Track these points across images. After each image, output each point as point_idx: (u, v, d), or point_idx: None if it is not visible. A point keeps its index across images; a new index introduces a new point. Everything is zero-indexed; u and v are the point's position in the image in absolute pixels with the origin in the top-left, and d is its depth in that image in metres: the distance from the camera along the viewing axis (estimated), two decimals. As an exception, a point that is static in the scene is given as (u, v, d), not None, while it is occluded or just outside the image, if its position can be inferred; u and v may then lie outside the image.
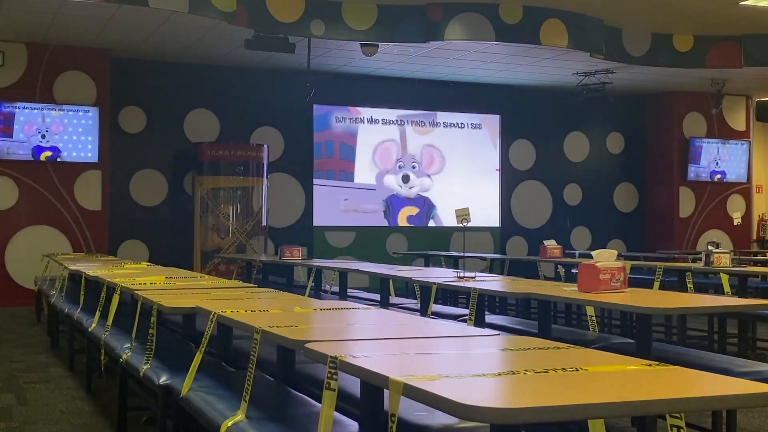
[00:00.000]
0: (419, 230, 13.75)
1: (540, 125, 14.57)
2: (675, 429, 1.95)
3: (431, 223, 13.89)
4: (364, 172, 13.50)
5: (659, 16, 10.43)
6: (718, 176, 15.02)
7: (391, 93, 13.45)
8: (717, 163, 14.99)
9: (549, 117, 14.57)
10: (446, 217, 13.82)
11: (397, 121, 13.72)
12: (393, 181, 13.66)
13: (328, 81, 12.58)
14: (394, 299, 7.05)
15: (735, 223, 14.12)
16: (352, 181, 13.42)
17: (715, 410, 3.79)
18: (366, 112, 13.51)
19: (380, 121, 13.61)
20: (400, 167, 13.68)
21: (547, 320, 4.75)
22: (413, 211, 13.77)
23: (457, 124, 14.11)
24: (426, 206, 13.86)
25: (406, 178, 13.67)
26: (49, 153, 11.20)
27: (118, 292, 5.00)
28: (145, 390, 4.30)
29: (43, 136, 11.15)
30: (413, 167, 13.77)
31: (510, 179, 14.46)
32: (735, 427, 3.98)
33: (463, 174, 14.11)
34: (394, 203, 13.65)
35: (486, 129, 14.32)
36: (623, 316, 7.62)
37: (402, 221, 13.68)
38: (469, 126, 14.20)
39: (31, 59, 11.18)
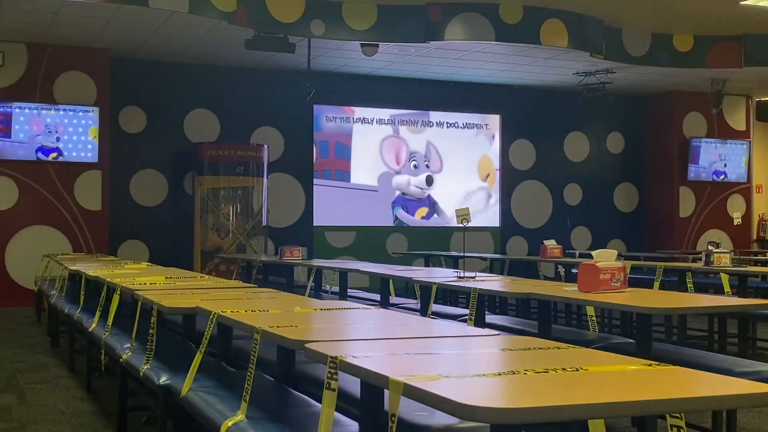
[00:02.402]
0: (419, 230, 13.76)
1: (540, 125, 14.57)
2: (675, 429, 1.95)
3: (437, 221, 13.90)
4: (361, 173, 13.50)
5: (659, 16, 10.43)
6: (717, 177, 15.01)
7: (392, 93, 13.44)
8: (717, 163, 14.99)
9: (549, 117, 14.57)
10: (448, 215, 13.83)
11: (396, 121, 13.72)
12: (406, 182, 13.65)
13: (328, 81, 12.58)
14: (394, 299, 7.05)
15: (735, 223, 14.14)
16: (349, 181, 13.43)
17: (715, 410, 3.79)
18: (366, 112, 13.51)
19: (380, 121, 13.61)
20: (415, 167, 13.67)
21: (547, 320, 4.75)
22: (424, 211, 13.80)
23: (457, 124, 14.11)
24: (432, 204, 13.89)
25: (429, 180, 13.71)
26: (49, 154, 11.20)
27: (118, 292, 5.00)
28: (145, 390, 4.30)
29: (43, 136, 11.15)
30: (427, 167, 13.80)
31: (510, 179, 14.46)
32: (735, 427, 3.98)
33: (462, 174, 14.11)
34: (409, 207, 13.65)
35: (486, 129, 14.32)
36: (623, 316, 7.62)
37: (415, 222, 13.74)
38: (469, 126, 14.20)
39: (31, 59, 11.18)
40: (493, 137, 14.29)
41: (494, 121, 14.32)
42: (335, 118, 13.36)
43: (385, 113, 13.62)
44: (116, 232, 11.85)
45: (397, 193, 13.66)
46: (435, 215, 13.89)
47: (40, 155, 11.16)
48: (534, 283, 5.41)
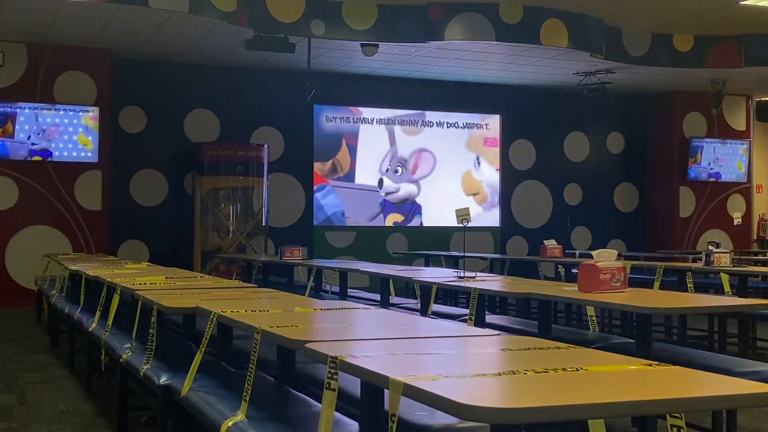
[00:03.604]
0: (419, 230, 13.75)
1: (540, 125, 14.57)
2: (675, 429, 1.95)
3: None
4: (364, 173, 13.51)
5: (659, 16, 10.43)
6: (717, 177, 15.01)
7: (391, 93, 13.44)
8: (716, 163, 14.99)
9: (549, 117, 14.57)
10: (441, 220, 13.76)
11: (396, 121, 13.72)
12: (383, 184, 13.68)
13: (328, 81, 12.58)
14: (394, 299, 7.05)
15: (735, 223, 14.14)
16: (353, 181, 13.45)
17: (715, 410, 3.79)
18: (366, 112, 13.51)
19: (380, 121, 13.62)
20: (386, 171, 13.65)
21: (547, 320, 4.75)
22: (399, 218, 13.75)
23: (457, 124, 14.11)
24: (411, 214, 13.80)
25: (380, 183, 13.63)
26: (48, 153, 11.20)
27: (118, 292, 5.00)
28: (145, 390, 4.30)
29: (43, 136, 11.15)
30: (396, 171, 13.71)
31: (510, 179, 14.45)
32: (735, 427, 3.98)
33: (461, 174, 14.11)
34: (386, 208, 13.65)
35: (486, 129, 14.32)
36: (623, 316, 7.62)
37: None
38: (469, 126, 14.20)
39: (31, 59, 11.18)
40: (478, 161, 14.23)
41: (494, 121, 14.33)
42: (335, 118, 13.36)
43: (385, 113, 13.62)
44: (116, 232, 11.85)
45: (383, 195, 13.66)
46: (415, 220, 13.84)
47: (40, 155, 11.16)
48: (534, 283, 5.41)
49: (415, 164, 13.83)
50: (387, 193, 13.58)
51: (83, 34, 10.67)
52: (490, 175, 14.34)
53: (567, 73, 12.76)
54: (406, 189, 13.76)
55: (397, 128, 13.72)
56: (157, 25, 10.14)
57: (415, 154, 13.82)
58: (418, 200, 13.82)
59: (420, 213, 13.80)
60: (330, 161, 13.30)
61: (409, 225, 13.72)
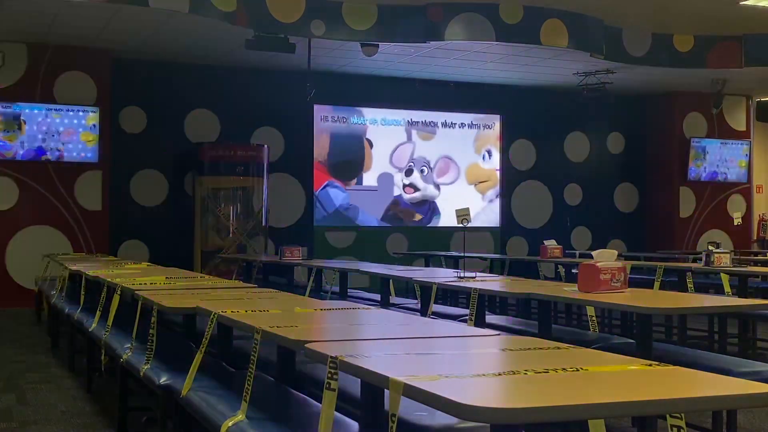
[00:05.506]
0: (419, 230, 13.75)
1: (540, 125, 14.57)
2: (675, 429, 1.95)
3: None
4: (367, 173, 13.53)
5: (659, 16, 10.43)
6: (717, 177, 15.01)
7: (391, 93, 13.43)
8: (716, 164, 14.99)
9: (549, 117, 14.57)
10: (448, 220, 13.80)
11: (395, 120, 13.72)
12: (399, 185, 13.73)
13: (328, 81, 12.58)
14: (394, 299, 7.05)
15: (735, 223, 14.14)
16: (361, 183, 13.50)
17: (715, 410, 3.79)
18: (365, 112, 13.51)
19: (380, 122, 13.61)
20: (408, 173, 13.69)
21: (547, 320, 4.75)
22: (417, 216, 13.81)
23: (457, 124, 14.11)
24: (430, 212, 13.85)
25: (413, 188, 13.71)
26: (49, 154, 11.20)
27: (119, 292, 5.00)
28: (145, 390, 4.30)
29: (43, 136, 11.14)
30: (422, 171, 13.78)
31: (510, 179, 14.45)
32: (735, 427, 3.98)
33: (462, 174, 14.10)
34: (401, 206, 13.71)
35: (486, 129, 14.31)
36: (623, 316, 7.62)
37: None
38: (470, 126, 14.20)
39: (31, 59, 11.18)
40: (489, 153, 14.27)
41: (494, 121, 14.32)
42: (335, 118, 13.35)
43: (388, 113, 13.61)
44: (116, 232, 11.85)
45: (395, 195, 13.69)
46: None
47: (40, 155, 11.16)
48: (534, 283, 5.41)
49: (441, 170, 13.87)
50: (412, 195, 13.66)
51: (83, 34, 10.67)
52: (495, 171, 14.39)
53: (567, 73, 12.76)
54: (429, 191, 13.83)
55: (395, 128, 13.72)
56: (157, 25, 10.14)
57: (442, 159, 13.85)
58: (437, 201, 13.90)
59: (438, 213, 13.84)
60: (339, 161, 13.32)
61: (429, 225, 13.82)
